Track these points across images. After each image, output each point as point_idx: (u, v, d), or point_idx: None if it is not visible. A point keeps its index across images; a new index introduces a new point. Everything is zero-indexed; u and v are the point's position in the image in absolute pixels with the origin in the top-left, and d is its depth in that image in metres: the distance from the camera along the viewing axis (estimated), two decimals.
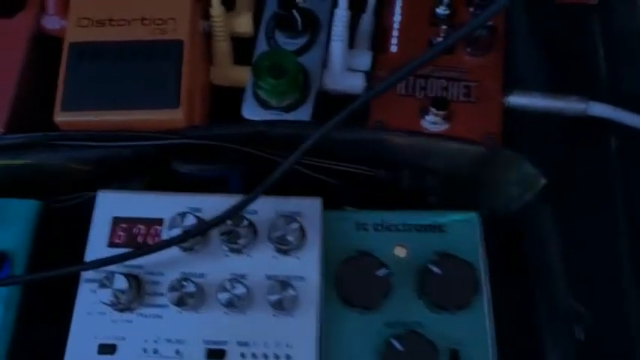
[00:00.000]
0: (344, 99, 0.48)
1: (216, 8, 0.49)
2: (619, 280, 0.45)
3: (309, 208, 0.42)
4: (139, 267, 0.41)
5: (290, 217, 0.41)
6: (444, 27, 0.48)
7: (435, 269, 0.40)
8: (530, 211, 0.44)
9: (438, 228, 0.43)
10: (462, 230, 0.43)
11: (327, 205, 0.43)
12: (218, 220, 0.40)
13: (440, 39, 0.48)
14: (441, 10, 0.49)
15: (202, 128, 0.46)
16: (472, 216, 0.43)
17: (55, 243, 0.44)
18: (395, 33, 0.49)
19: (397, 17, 0.50)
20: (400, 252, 0.42)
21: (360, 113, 0.47)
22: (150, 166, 0.45)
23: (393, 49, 0.49)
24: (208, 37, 0.50)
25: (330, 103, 0.49)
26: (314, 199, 0.43)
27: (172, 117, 0.45)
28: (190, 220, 0.41)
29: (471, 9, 0.49)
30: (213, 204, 0.42)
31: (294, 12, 0.48)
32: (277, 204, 0.42)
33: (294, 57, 0.47)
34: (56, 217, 0.45)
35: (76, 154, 0.44)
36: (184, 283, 0.40)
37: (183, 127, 0.45)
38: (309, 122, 0.46)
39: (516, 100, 0.47)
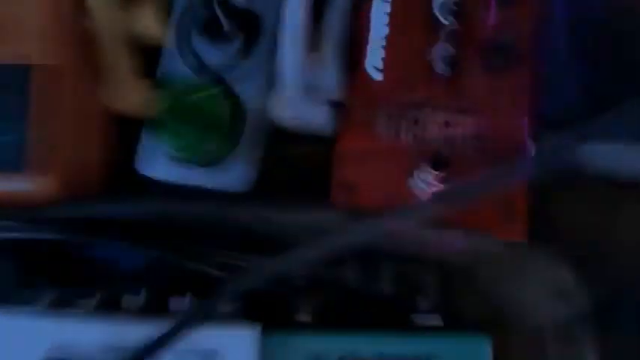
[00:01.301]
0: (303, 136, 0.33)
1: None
2: None
3: (240, 342, 0.28)
4: None
5: (208, 357, 0.28)
6: (444, 42, 0.31)
7: None
8: (560, 329, 0.30)
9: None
10: None
11: (272, 317, 0.29)
12: None
13: (438, 54, 0.32)
14: (439, 11, 0.32)
15: (64, 207, 0.30)
16: (481, 342, 0.29)
17: None
18: (375, 43, 0.33)
19: (379, 18, 0.33)
20: None
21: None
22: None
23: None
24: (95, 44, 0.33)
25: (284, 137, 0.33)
26: (248, 327, 0.28)
27: (19, 186, 0.29)
28: None
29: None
30: (101, 334, 0.28)
31: (217, 8, 0.31)
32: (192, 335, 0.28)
33: (215, 90, 0.30)
34: None
35: None
36: None
37: (42, 200, 0.29)
38: (242, 197, 0.31)
39: None
